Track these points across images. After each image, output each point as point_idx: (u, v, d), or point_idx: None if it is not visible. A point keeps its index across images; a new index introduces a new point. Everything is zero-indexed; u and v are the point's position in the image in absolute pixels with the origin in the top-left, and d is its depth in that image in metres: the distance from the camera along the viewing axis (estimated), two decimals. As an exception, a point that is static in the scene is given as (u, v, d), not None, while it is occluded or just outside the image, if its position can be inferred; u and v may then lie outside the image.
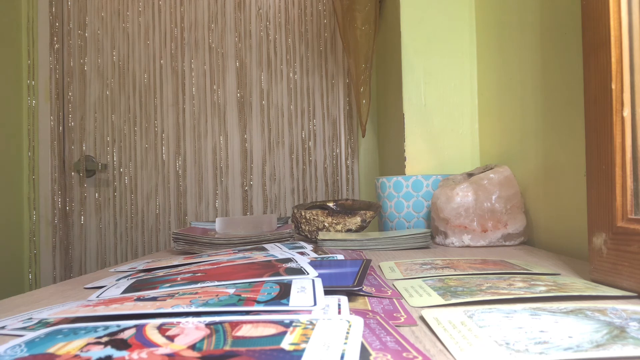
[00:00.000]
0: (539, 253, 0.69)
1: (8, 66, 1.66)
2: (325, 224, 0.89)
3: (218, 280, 0.43)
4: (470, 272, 0.50)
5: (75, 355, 0.26)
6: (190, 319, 0.31)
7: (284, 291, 0.38)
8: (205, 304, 0.35)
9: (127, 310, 0.34)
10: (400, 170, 1.16)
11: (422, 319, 0.34)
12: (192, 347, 0.26)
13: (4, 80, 1.64)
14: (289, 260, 0.52)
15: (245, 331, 0.28)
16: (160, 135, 1.74)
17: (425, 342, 0.29)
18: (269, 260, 0.52)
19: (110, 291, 0.44)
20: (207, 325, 0.30)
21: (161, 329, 0.29)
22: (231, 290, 0.39)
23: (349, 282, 0.42)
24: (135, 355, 0.25)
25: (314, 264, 0.52)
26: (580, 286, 0.42)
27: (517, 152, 0.90)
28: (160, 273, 0.52)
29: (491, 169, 0.84)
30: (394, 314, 0.35)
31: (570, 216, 0.71)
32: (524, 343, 0.27)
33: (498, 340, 0.27)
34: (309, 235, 0.91)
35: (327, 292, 0.39)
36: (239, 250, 0.66)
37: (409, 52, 1.12)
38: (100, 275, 0.61)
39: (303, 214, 0.91)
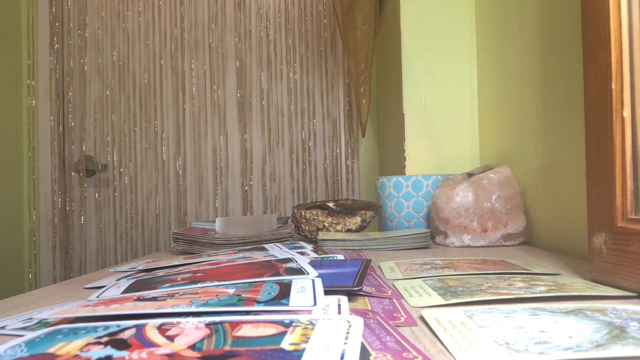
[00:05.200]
0: (539, 253, 0.69)
1: (8, 66, 1.66)
2: (325, 224, 0.89)
3: (218, 280, 0.43)
4: (470, 272, 0.50)
5: (75, 355, 0.26)
6: (190, 319, 0.31)
7: (284, 291, 0.38)
8: (205, 304, 0.35)
9: (127, 310, 0.34)
10: (400, 170, 1.16)
11: (422, 319, 0.34)
12: (192, 347, 0.26)
13: (4, 80, 1.64)
14: (289, 260, 0.52)
15: (245, 331, 0.28)
16: (160, 135, 1.74)
17: (425, 342, 0.29)
18: (269, 260, 0.52)
19: (110, 291, 0.44)
20: (207, 325, 0.30)
21: (161, 329, 0.29)
22: (231, 290, 0.39)
23: (349, 282, 0.42)
24: (135, 355, 0.25)
25: (314, 264, 0.52)
26: (580, 286, 0.42)
27: (517, 152, 0.90)
28: (160, 273, 0.52)
29: (491, 169, 0.84)
30: (394, 314, 0.35)
31: (570, 216, 0.71)
32: (524, 343, 0.27)
33: (498, 340, 0.27)
34: (309, 235, 0.91)
35: (327, 292, 0.39)
36: (239, 250, 0.66)
37: (409, 52, 1.12)
38: (100, 275, 0.61)
39: (303, 214, 0.91)
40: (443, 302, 0.38)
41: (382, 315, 0.34)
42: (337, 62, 1.73)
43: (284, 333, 0.27)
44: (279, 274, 0.44)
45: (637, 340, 0.27)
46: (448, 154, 1.12)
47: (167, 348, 0.26)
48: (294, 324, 0.29)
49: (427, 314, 0.34)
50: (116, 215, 1.74)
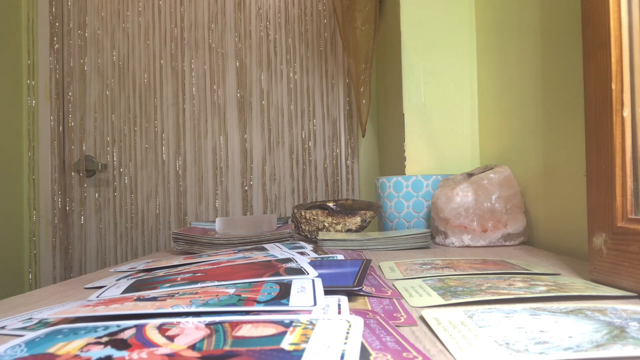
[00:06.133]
0: (539, 253, 0.69)
1: (8, 66, 1.66)
2: (325, 224, 0.89)
3: (218, 280, 0.43)
4: (470, 272, 0.50)
5: (75, 355, 0.26)
6: (190, 319, 0.31)
7: (284, 291, 0.38)
8: (205, 304, 0.35)
9: (127, 310, 0.34)
10: (400, 170, 1.16)
11: (422, 319, 0.34)
12: (192, 347, 0.26)
13: (4, 80, 1.64)
14: (289, 260, 0.52)
15: (245, 331, 0.28)
16: (160, 135, 1.74)
17: (425, 342, 0.29)
18: (269, 260, 0.52)
19: (110, 291, 0.44)
20: (207, 325, 0.30)
21: (161, 329, 0.29)
22: (231, 290, 0.39)
23: (349, 282, 0.42)
24: (135, 355, 0.25)
25: (314, 264, 0.52)
26: (580, 286, 0.42)
27: (517, 152, 0.90)
28: (160, 273, 0.52)
29: (491, 169, 0.84)
30: (394, 314, 0.35)
31: (570, 216, 0.71)
32: (524, 343, 0.27)
33: (498, 340, 0.27)
34: (309, 235, 0.91)
35: (327, 292, 0.39)
36: (239, 250, 0.66)
37: (409, 52, 1.12)
38: (100, 275, 0.61)
39: (303, 214, 0.91)
40: (443, 302, 0.38)
41: (382, 315, 0.34)
42: (337, 62, 1.73)
43: (284, 333, 0.27)
44: (279, 274, 0.44)
45: (637, 340, 0.27)
46: (448, 154, 1.12)
47: (167, 348, 0.26)
48: (294, 324, 0.29)
49: (427, 314, 0.34)
50: (116, 215, 1.74)
